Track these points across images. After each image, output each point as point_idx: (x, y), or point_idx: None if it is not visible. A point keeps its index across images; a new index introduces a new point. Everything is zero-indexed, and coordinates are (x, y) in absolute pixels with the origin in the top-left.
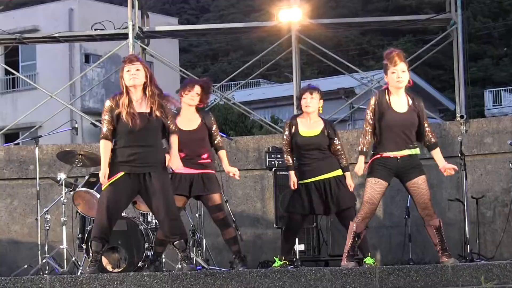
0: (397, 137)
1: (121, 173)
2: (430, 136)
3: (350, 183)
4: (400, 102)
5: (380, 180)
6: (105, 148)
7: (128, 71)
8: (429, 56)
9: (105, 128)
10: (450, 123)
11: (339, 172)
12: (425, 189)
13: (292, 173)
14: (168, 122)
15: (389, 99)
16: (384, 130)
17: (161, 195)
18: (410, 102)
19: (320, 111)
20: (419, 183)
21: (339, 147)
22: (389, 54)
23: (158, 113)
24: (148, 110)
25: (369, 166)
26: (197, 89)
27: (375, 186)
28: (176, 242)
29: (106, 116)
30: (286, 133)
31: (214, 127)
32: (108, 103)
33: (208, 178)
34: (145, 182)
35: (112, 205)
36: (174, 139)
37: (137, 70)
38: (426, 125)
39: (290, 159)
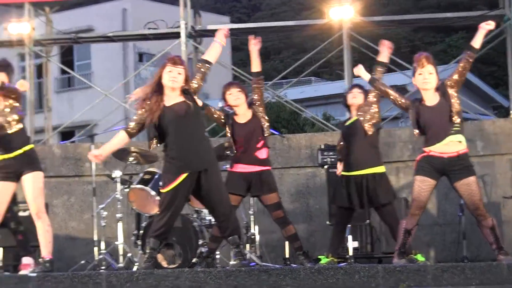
0: (438, 129)
1: (184, 175)
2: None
3: None
4: (431, 98)
5: (427, 178)
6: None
7: (170, 71)
8: (482, 53)
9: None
10: (504, 120)
11: (380, 169)
12: (475, 190)
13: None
14: None
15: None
16: (425, 127)
17: (216, 192)
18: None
19: None
20: (469, 184)
21: None
22: (417, 57)
23: None
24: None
25: (416, 164)
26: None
27: (422, 185)
28: (230, 237)
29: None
30: None
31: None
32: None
33: (266, 176)
34: (199, 180)
35: (174, 207)
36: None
37: (179, 73)
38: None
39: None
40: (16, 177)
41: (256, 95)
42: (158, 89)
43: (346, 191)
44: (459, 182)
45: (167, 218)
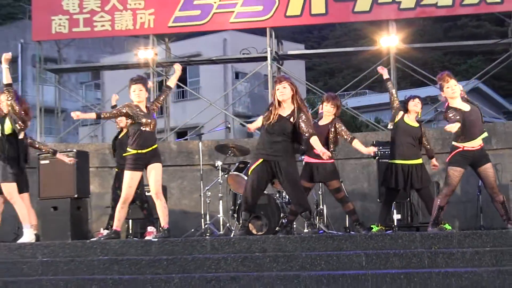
0: (476, 129)
1: (260, 160)
2: None
3: (435, 163)
4: (463, 105)
5: (460, 168)
6: None
7: (278, 89)
8: (495, 71)
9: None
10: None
11: (420, 161)
12: (492, 172)
13: None
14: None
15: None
16: (466, 127)
17: (288, 177)
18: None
19: (419, 115)
20: (487, 168)
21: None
22: (441, 76)
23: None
24: (285, 115)
25: (452, 157)
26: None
27: (456, 173)
28: (303, 213)
29: None
30: None
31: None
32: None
33: (327, 167)
34: (277, 168)
35: (256, 184)
36: (312, 140)
37: (284, 88)
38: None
39: None
40: (143, 167)
41: None
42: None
43: (394, 176)
44: (481, 168)
45: (250, 194)
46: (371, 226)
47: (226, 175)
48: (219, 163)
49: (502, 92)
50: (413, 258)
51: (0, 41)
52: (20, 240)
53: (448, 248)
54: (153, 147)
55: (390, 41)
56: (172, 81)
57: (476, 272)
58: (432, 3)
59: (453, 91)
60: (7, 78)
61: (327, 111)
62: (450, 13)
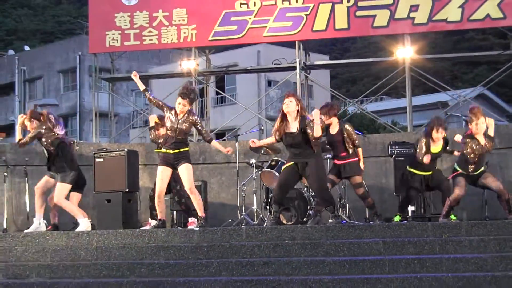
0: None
1: (290, 163)
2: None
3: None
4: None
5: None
6: None
7: (285, 103)
8: (499, 79)
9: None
10: None
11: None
12: (493, 179)
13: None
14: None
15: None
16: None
17: (314, 177)
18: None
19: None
20: (486, 177)
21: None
22: (473, 109)
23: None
24: (295, 130)
25: (454, 176)
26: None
27: (463, 180)
28: (327, 207)
29: None
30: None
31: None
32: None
33: (351, 165)
34: (305, 169)
35: (284, 182)
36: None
37: (290, 101)
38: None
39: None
40: (172, 165)
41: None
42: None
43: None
44: (480, 179)
45: (279, 189)
46: (394, 218)
47: (259, 172)
48: (253, 161)
49: (505, 97)
50: (426, 245)
51: (61, 53)
52: (78, 229)
53: (457, 236)
54: (180, 150)
55: (405, 53)
56: (141, 86)
57: (482, 258)
58: (443, 19)
59: (478, 128)
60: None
61: (326, 120)
62: (458, 27)
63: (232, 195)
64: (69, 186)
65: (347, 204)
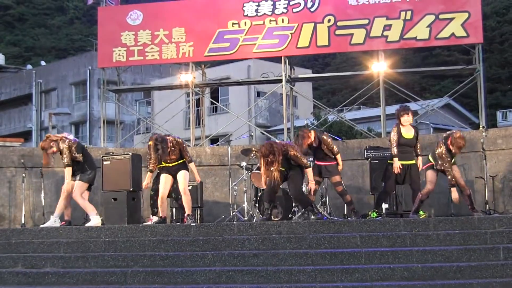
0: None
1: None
2: None
3: (420, 164)
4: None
5: (436, 171)
6: None
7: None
8: (463, 91)
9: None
10: (476, 131)
11: (414, 161)
12: (459, 176)
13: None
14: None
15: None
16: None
17: (290, 182)
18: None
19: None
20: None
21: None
22: (457, 143)
23: None
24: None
25: (428, 168)
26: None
27: (433, 175)
28: (307, 208)
29: None
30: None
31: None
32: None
33: (331, 166)
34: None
35: (271, 186)
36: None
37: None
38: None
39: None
40: (172, 174)
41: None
42: None
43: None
44: None
45: (269, 191)
46: (370, 213)
47: (249, 173)
48: (244, 163)
49: (468, 107)
50: (398, 239)
51: (73, 68)
52: (88, 224)
53: (426, 231)
54: (178, 162)
55: (379, 67)
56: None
57: (448, 250)
58: (413, 37)
59: (454, 154)
60: None
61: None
62: (426, 44)
63: (225, 194)
64: (86, 185)
65: (328, 202)
